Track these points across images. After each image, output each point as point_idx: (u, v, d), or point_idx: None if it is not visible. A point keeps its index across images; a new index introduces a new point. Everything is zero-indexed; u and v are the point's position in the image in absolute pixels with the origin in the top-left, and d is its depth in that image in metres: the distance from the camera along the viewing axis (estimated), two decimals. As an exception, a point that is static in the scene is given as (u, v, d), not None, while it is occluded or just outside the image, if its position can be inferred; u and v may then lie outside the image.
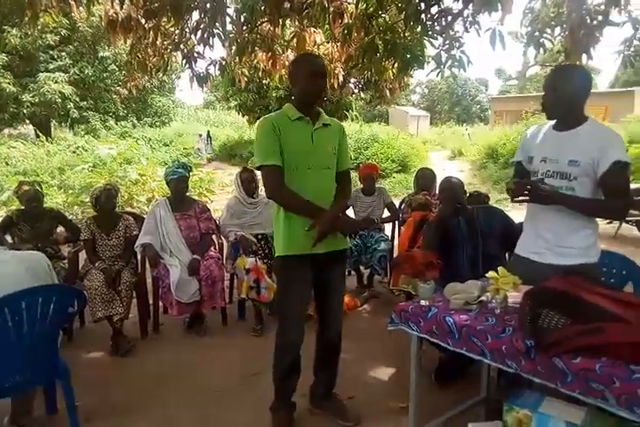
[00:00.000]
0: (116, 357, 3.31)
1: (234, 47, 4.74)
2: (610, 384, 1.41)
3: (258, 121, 2.39)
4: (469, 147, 18.09)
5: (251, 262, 3.63)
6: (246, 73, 6.51)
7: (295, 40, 5.03)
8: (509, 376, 1.71)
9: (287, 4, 4.31)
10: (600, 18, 3.65)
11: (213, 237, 3.95)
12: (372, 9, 4.25)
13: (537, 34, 3.98)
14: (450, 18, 3.73)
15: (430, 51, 4.30)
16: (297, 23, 4.84)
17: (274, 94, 15.21)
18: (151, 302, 3.70)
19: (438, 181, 4.30)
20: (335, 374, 2.58)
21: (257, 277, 3.60)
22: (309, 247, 2.19)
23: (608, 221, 7.18)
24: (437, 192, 3.45)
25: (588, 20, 3.66)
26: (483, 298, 1.88)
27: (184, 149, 19.48)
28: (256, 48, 5.02)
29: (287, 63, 5.69)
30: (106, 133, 18.83)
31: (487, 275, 1.83)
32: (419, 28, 3.93)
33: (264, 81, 14.99)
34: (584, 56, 3.70)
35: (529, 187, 1.95)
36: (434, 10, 3.78)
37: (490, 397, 2.41)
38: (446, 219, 2.92)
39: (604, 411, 1.47)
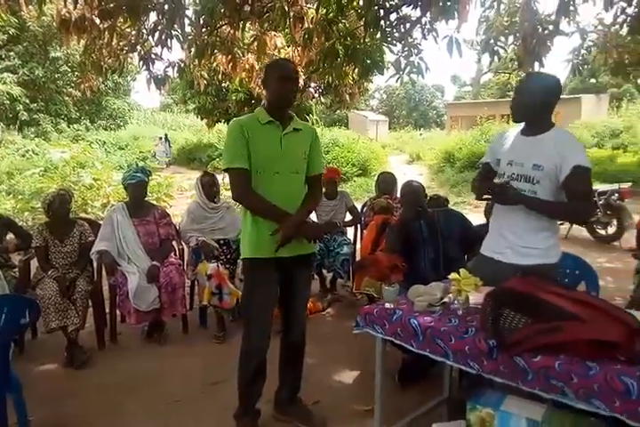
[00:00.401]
0: (71, 369, 3.17)
1: (193, 49, 4.68)
2: (568, 380, 1.46)
3: (228, 124, 2.37)
4: (427, 151, 18.48)
5: (212, 268, 3.57)
6: (205, 76, 6.44)
7: (256, 43, 5.01)
8: (471, 376, 1.75)
9: (247, 8, 4.30)
10: (551, 27, 3.81)
11: (173, 242, 3.87)
12: (332, 14, 4.29)
13: (492, 42, 4.11)
14: (408, 25, 3.80)
15: (390, 57, 4.38)
16: (257, 26, 4.82)
17: (233, 97, 15.04)
18: (108, 310, 3.57)
19: (399, 184, 4.39)
20: (300, 377, 2.57)
21: (219, 283, 3.54)
22: (274, 251, 2.20)
23: (560, 222, 7.50)
24: (399, 196, 3.50)
25: (540, 30, 3.81)
26: (445, 300, 1.92)
27: (140, 152, 19.04)
28: (216, 51, 4.97)
29: (248, 66, 5.67)
30: (57, 136, 18.19)
31: (449, 277, 1.86)
32: (378, 35, 3.99)
33: (223, 84, 14.86)
34: (536, 64, 3.84)
35: (495, 187, 2.02)
36: (393, 17, 3.85)
37: (452, 397, 2.45)
38: (408, 222, 2.96)
39: (563, 407, 1.52)
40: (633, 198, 6.86)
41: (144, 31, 4.59)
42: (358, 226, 4.64)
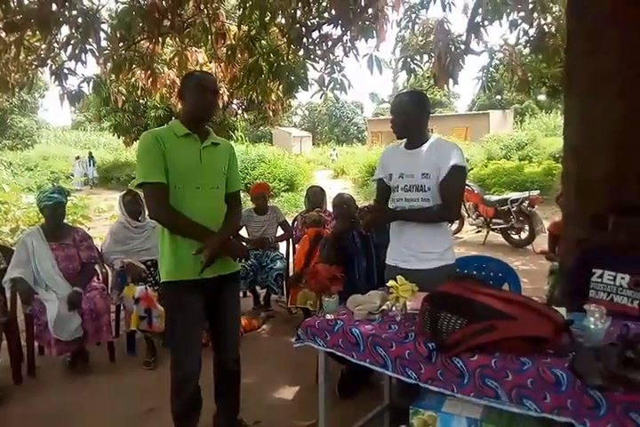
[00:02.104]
0: (-17, 409, 2.88)
1: (109, 64, 4.50)
2: (503, 378, 1.53)
3: (140, 136, 2.23)
4: (351, 166, 18.93)
5: (140, 291, 3.41)
6: (124, 91, 6.22)
7: (176, 59, 4.93)
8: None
9: (167, 22, 4.22)
10: (462, 47, 4.08)
11: (96, 266, 3.65)
12: (254, 31, 4.32)
13: (408, 60, 4.32)
14: (330, 43, 3.91)
15: (313, 74, 4.47)
16: (178, 42, 4.75)
17: (152, 114, 14.64)
18: (24, 342, 3.29)
19: (328, 198, 4.45)
20: (237, 401, 2.47)
21: (148, 307, 3.38)
22: (197, 272, 2.05)
23: (477, 230, 7.96)
24: (330, 209, 3.54)
25: (453, 49, 4.06)
26: (384, 307, 1.95)
27: (52, 173, 17.90)
28: (134, 66, 4.82)
29: (168, 82, 5.55)
30: (-43, 158, 16.70)
31: (387, 284, 1.90)
32: (301, 52, 4.07)
33: (141, 100, 14.42)
34: (450, 81, 4.09)
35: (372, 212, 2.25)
36: (315, 35, 3.94)
37: (393, 403, 2.48)
38: (342, 234, 3.00)
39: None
40: (541, 205, 7.42)
41: (55, 45, 4.36)
42: (290, 240, 4.64)
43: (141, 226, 3.79)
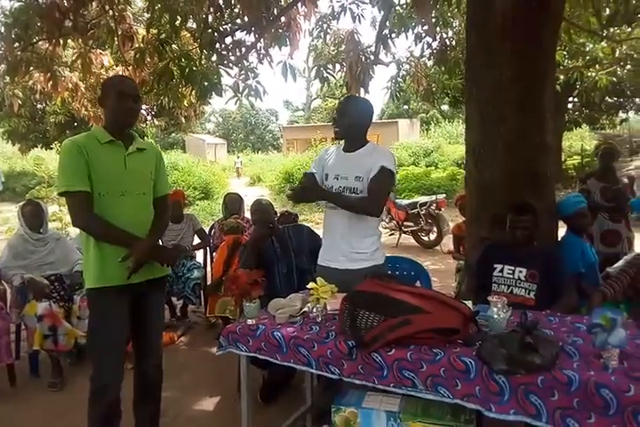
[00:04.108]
0: None
1: (4, 66, 4.18)
2: (418, 369, 1.62)
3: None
4: (267, 173, 18.92)
5: (44, 308, 3.19)
6: (20, 95, 5.79)
7: (80, 61, 4.67)
8: (333, 380, 1.83)
9: (69, 23, 4.00)
10: (372, 57, 4.25)
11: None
12: (164, 35, 4.21)
13: (321, 69, 4.43)
14: (244, 49, 3.91)
15: (227, 80, 4.44)
16: (81, 43, 4.51)
17: (52, 120, 13.66)
18: None
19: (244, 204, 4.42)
20: (159, 411, 2.38)
21: (53, 324, 3.18)
22: (124, 278, 2.05)
23: (391, 233, 8.29)
24: (248, 215, 3.53)
25: (363, 59, 4.22)
26: (305, 309, 1.98)
27: None
28: (32, 68, 4.51)
29: (71, 85, 5.25)
30: None
31: (308, 286, 1.94)
32: (214, 57, 4.03)
33: (40, 105, 13.45)
34: (362, 90, 4.24)
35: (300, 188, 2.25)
36: (228, 40, 3.92)
37: (315, 403, 2.51)
38: (260, 240, 3.00)
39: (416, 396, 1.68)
40: (447, 208, 7.89)
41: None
42: (208, 249, 4.55)
43: (43, 238, 3.54)
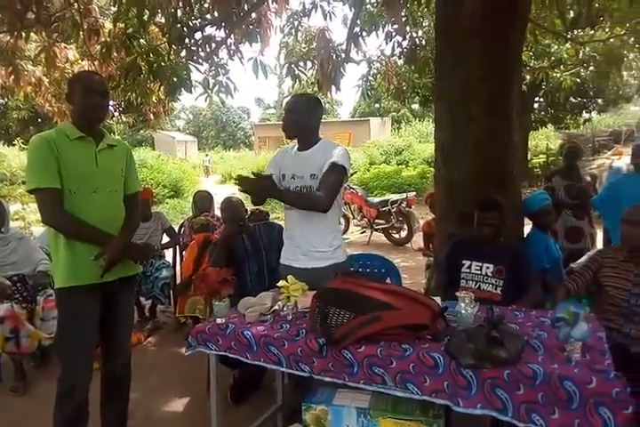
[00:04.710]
0: None
1: (-40, 58, 4.03)
2: (388, 365, 1.63)
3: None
4: (239, 171, 18.76)
5: (5, 309, 3.09)
6: (-21, 89, 5.58)
7: (43, 55, 4.53)
8: (304, 378, 1.83)
9: (31, 15, 3.87)
10: (343, 55, 4.25)
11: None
12: (132, 29, 4.12)
13: (292, 66, 4.41)
14: (214, 45, 3.85)
15: (197, 75, 4.38)
16: (45, 37, 4.37)
17: (15, 115, 13.26)
18: None
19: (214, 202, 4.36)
20: (126, 410, 2.34)
21: (15, 326, 3.09)
22: (97, 276, 2.03)
23: (362, 230, 8.34)
24: (218, 213, 3.49)
25: (334, 57, 4.22)
26: (275, 307, 1.97)
27: None
28: (-8, 61, 4.36)
29: (34, 80, 5.09)
30: None
31: (278, 284, 1.93)
32: (183, 53, 3.96)
33: (1, 100, 13.03)
34: (333, 88, 4.24)
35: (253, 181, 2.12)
36: (198, 36, 3.86)
37: (285, 402, 2.50)
38: (231, 237, 2.97)
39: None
40: (417, 205, 7.98)
41: None
42: (177, 247, 4.48)
43: (4, 238, 3.42)
